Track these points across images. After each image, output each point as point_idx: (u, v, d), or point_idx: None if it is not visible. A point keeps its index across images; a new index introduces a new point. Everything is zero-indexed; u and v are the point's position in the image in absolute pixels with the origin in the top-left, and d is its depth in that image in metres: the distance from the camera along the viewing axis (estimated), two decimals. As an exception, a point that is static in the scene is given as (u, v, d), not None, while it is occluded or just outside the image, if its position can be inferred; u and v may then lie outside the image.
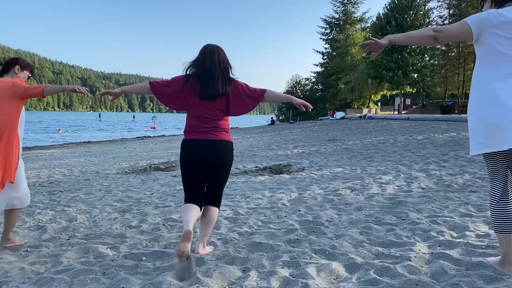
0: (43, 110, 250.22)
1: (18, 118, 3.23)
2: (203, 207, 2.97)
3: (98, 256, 3.00)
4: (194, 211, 2.80)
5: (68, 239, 3.53)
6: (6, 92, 3.17)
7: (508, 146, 2.17)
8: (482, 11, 2.42)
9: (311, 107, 3.21)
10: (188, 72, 2.92)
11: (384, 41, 2.49)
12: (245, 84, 3.00)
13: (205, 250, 2.97)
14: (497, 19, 2.28)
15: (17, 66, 3.41)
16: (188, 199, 2.90)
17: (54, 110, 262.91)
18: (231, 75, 2.95)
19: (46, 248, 3.28)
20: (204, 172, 2.91)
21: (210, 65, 2.88)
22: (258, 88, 3.01)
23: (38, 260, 2.98)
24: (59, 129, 45.95)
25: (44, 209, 4.95)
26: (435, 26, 2.56)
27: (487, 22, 2.30)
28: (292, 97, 3.19)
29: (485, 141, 2.25)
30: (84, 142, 28.42)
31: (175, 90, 2.92)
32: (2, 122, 3.09)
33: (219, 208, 3.05)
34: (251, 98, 2.97)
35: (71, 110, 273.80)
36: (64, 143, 27.72)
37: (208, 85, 2.84)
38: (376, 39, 2.46)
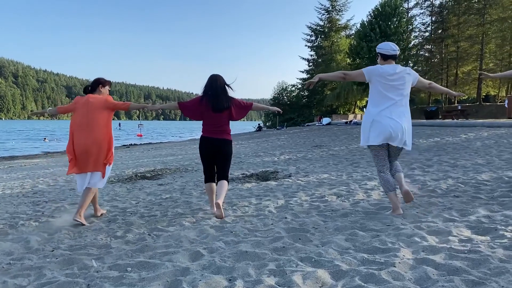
0: (27, 119, 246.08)
1: (111, 122, 4.59)
2: (217, 182, 4.50)
3: (83, 267, 2.96)
4: (213, 189, 4.53)
5: (52, 251, 3.48)
6: (101, 105, 4.49)
7: (382, 141, 3.91)
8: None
9: (281, 111, 5.08)
10: (202, 94, 4.44)
11: (315, 79, 4.18)
12: (239, 99, 4.53)
13: (221, 201, 4.36)
14: (378, 72, 3.91)
15: (100, 85, 4.69)
16: (207, 179, 4.58)
17: (39, 119, 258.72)
18: (229, 94, 4.46)
19: (29, 261, 3.24)
20: (214, 156, 4.48)
21: (216, 88, 4.40)
22: (248, 102, 4.65)
23: (21, 273, 2.94)
24: (45, 138, 45.35)
25: (27, 220, 4.88)
26: (344, 70, 3.85)
27: (373, 73, 3.94)
28: (269, 106, 5.20)
29: (372, 138, 3.94)
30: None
31: (194, 107, 4.47)
32: (104, 125, 4.48)
33: (227, 181, 4.53)
34: (244, 108, 4.55)
35: (56, 118, 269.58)
36: (49, 152, 27.36)
37: (216, 103, 4.37)
38: (310, 80, 4.18)
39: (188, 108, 4.50)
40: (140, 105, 5.01)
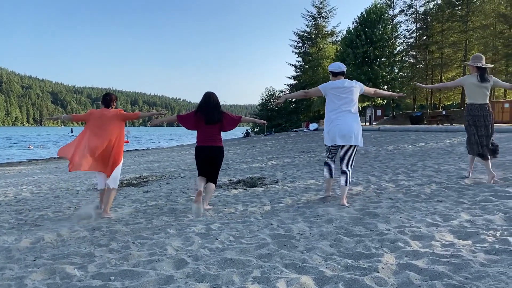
0: (12, 125, 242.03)
1: (123, 132, 5.29)
2: (206, 184, 5.19)
3: (65, 277, 2.92)
4: (203, 180, 5.15)
5: (34, 260, 3.42)
6: (114, 117, 5.22)
7: (332, 143, 5.01)
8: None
9: (266, 122, 6.04)
10: (197, 109, 5.15)
11: (282, 99, 5.54)
12: (229, 113, 5.29)
13: (208, 206, 5.20)
14: (330, 86, 4.96)
15: (114, 100, 5.46)
16: (200, 174, 5.19)
17: (23, 125, 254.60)
18: (221, 109, 5.18)
19: (10, 271, 3.18)
20: (208, 162, 5.16)
21: (209, 104, 5.13)
22: (237, 115, 5.35)
23: (1, 283, 2.89)
24: (29, 145, 44.74)
25: (10, 229, 4.81)
26: (307, 89, 5.20)
27: (327, 88, 4.99)
28: (255, 119, 6.10)
29: (328, 140, 5.05)
30: (55, 157, 27.69)
31: (190, 119, 5.19)
32: (116, 135, 5.17)
33: (215, 184, 5.32)
34: (234, 121, 5.26)
35: (41, 125, 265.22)
36: (33, 159, 26.98)
37: (209, 116, 5.09)
38: (277, 101, 5.67)
39: (185, 120, 5.22)
40: (148, 113, 5.92)
